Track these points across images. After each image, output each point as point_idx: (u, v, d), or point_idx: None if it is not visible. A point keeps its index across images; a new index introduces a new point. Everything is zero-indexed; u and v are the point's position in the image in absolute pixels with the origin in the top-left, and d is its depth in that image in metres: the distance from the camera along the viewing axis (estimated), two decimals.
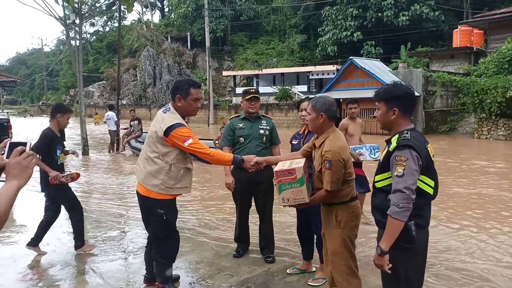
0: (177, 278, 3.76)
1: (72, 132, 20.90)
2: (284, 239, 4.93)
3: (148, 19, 51.54)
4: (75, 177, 4.54)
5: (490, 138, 17.15)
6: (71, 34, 16.33)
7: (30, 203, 6.54)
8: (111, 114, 14.66)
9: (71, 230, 4.65)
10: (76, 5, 12.99)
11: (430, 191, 2.29)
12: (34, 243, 4.48)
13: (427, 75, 20.08)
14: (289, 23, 36.37)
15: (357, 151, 5.26)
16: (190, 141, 3.21)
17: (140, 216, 3.59)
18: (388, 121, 2.40)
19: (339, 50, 30.99)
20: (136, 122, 13.81)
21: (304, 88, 30.58)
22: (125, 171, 10.70)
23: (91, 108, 40.90)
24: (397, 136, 2.31)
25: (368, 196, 4.85)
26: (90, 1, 30.42)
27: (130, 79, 40.67)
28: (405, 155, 2.19)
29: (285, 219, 5.72)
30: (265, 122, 4.27)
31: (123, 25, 45.68)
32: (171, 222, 3.39)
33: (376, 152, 5.29)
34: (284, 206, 2.97)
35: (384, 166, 2.34)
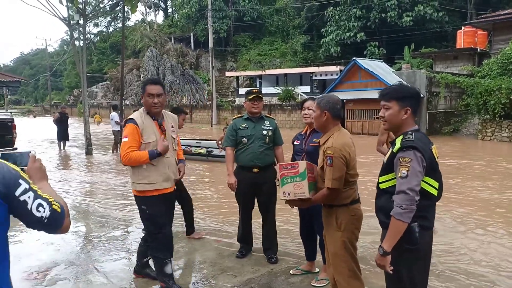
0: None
1: (76, 132, 20.99)
2: (287, 240, 4.93)
3: (152, 20, 51.74)
4: None
5: (494, 140, 17.08)
6: (75, 35, 16.40)
7: None
8: (113, 114, 14.71)
9: (75, 229, 4.67)
10: (80, 6, 13.04)
11: (435, 192, 2.28)
12: (189, 230, 5.03)
13: (431, 76, 20.03)
14: (292, 24, 36.38)
15: None
16: (125, 139, 3.37)
17: None
18: (398, 121, 2.36)
19: (342, 51, 30.96)
20: None
21: (307, 89, 30.59)
22: (129, 171, 10.71)
23: (94, 108, 41.03)
24: (401, 137, 2.30)
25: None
26: (94, 2, 30.54)
27: (133, 80, 40.75)
28: (409, 156, 2.18)
29: (288, 219, 5.71)
30: (268, 123, 4.27)
31: (127, 25, 45.81)
32: (156, 217, 3.45)
33: None
34: (284, 200, 2.96)
35: (388, 167, 2.33)
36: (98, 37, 57.09)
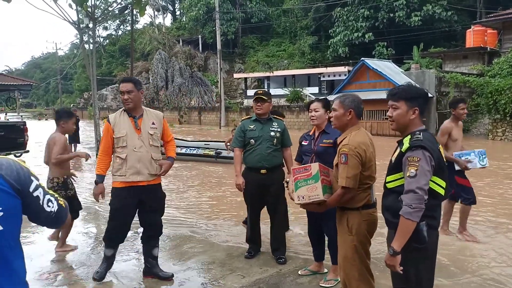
0: (170, 276, 3.86)
1: (86, 135, 21.18)
2: (295, 240, 4.93)
3: (160, 23, 52.05)
4: None
5: (505, 139, 16.89)
6: (85, 38, 16.56)
7: None
8: None
9: (86, 230, 4.73)
10: (89, 10, 13.17)
11: (442, 192, 2.28)
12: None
13: (440, 76, 19.88)
14: (300, 25, 36.34)
15: (463, 158, 4.67)
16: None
17: None
18: (406, 121, 2.37)
19: (350, 52, 30.83)
20: None
21: (315, 89, 30.52)
22: None
23: (104, 111, 41.39)
24: (409, 137, 2.31)
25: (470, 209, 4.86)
26: (103, 6, 30.82)
27: (142, 82, 40.89)
28: (418, 156, 2.19)
29: (296, 219, 5.71)
30: (276, 124, 4.28)
31: (136, 28, 46.13)
32: (111, 208, 3.69)
33: (484, 158, 4.69)
34: (299, 205, 2.94)
35: (396, 166, 2.34)
36: (107, 40, 57.64)
